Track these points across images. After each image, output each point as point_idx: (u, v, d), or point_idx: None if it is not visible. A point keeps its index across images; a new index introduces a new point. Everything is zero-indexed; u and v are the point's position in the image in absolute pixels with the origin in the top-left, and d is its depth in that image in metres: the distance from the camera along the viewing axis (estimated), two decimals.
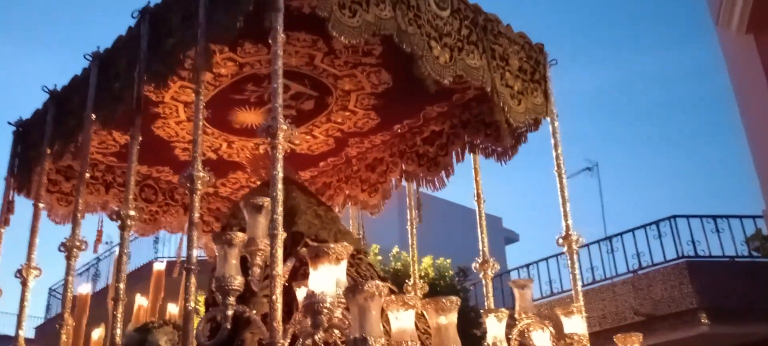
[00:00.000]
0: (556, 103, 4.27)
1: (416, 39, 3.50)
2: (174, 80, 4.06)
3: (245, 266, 3.11)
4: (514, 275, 13.15)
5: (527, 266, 12.91)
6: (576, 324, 3.54)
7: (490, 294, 4.45)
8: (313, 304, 2.36)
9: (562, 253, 11.93)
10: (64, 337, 3.50)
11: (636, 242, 11.46)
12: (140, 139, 3.82)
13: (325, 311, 2.33)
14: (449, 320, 2.50)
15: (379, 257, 10.22)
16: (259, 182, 4.60)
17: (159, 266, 4.42)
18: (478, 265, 4.49)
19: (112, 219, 5.12)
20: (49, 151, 4.39)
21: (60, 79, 5.49)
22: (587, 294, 11.19)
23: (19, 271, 4.08)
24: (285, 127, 2.88)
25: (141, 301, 3.86)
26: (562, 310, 3.64)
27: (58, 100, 4.53)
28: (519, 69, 4.08)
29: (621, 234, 11.76)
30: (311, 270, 2.44)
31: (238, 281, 2.72)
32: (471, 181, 4.66)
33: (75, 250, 3.72)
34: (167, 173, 5.44)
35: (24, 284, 4.08)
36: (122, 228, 3.54)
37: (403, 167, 4.98)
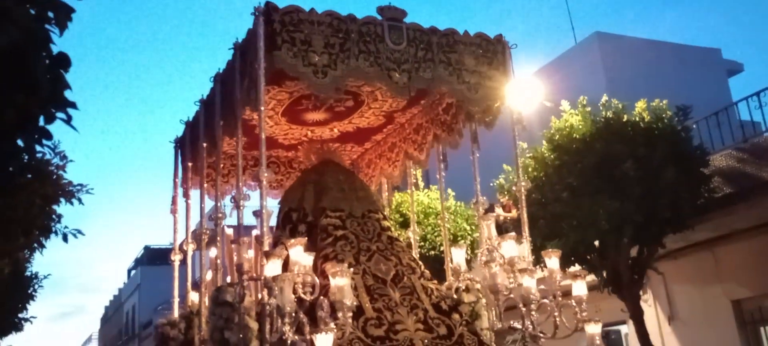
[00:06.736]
0: None
1: (378, 74, 4.97)
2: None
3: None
4: (741, 107, 11.87)
5: (757, 93, 11.19)
6: (511, 248, 4.97)
7: None
8: (266, 282, 4.18)
9: None
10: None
11: None
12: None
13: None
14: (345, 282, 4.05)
15: (588, 109, 9.51)
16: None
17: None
18: None
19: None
20: (190, 165, 6.66)
21: None
22: None
23: (180, 246, 6.53)
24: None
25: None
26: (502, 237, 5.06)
27: (190, 127, 6.72)
28: (475, 64, 5.30)
29: None
30: (266, 263, 4.21)
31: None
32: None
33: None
34: (282, 152, 7.49)
35: (184, 252, 6.54)
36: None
37: (434, 132, 6.45)
